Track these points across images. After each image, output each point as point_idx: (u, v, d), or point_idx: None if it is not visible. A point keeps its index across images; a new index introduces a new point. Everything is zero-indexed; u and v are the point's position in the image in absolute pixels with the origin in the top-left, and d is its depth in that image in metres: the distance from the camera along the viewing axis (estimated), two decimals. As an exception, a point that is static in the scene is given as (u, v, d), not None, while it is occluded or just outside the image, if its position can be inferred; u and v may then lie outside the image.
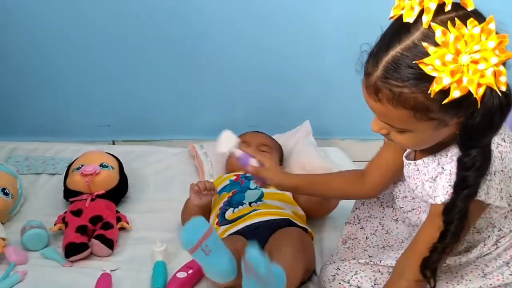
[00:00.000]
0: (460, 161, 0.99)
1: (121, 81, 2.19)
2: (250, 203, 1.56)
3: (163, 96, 2.21)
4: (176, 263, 1.47)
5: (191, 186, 1.57)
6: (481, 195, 1.02)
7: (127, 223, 1.66)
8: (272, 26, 2.09)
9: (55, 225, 1.61)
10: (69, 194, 1.72)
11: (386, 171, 1.32)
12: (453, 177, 1.03)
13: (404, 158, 1.22)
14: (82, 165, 1.74)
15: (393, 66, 0.96)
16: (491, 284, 1.18)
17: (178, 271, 1.41)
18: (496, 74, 0.91)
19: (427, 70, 0.92)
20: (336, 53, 2.15)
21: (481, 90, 0.91)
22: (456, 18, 0.92)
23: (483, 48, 0.90)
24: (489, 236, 1.17)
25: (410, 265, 1.11)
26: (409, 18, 0.95)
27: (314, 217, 1.66)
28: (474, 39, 0.91)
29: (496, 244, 1.17)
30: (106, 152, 1.86)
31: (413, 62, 0.93)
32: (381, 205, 1.44)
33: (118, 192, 1.77)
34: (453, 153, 1.07)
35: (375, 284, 1.26)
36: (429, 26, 0.93)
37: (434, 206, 1.08)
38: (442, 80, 0.91)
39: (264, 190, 1.61)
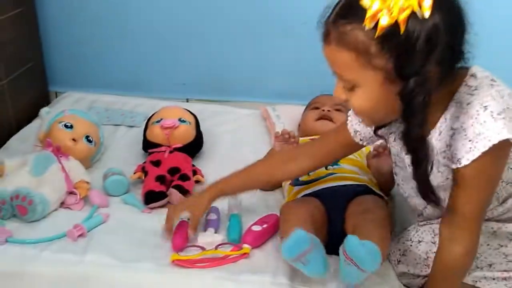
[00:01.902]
0: (400, 95, 1.00)
1: (198, 41, 2.22)
2: (326, 166, 1.57)
3: (238, 57, 2.23)
4: (250, 217, 1.51)
5: (275, 135, 1.68)
6: (505, 133, 1.00)
7: (202, 176, 1.71)
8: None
9: (134, 173, 1.68)
10: (148, 145, 1.79)
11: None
12: (469, 132, 1.03)
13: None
14: (161, 119, 1.79)
15: (342, 9, 1.02)
16: None
17: (253, 224, 1.45)
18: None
19: (364, 2, 0.96)
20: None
21: (405, 14, 0.94)
22: None
23: None
24: None
25: (460, 232, 1.12)
26: None
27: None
28: None
29: None
30: (184, 108, 1.91)
31: None
32: None
33: (195, 146, 1.82)
34: (450, 112, 1.09)
35: (435, 235, 1.26)
36: None
37: (462, 171, 1.06)
38: (372, 6, 0.95)
39: None
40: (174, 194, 1.58)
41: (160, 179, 1.62)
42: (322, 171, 1.56)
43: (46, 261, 1.36)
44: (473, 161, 1.04)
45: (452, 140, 1.08)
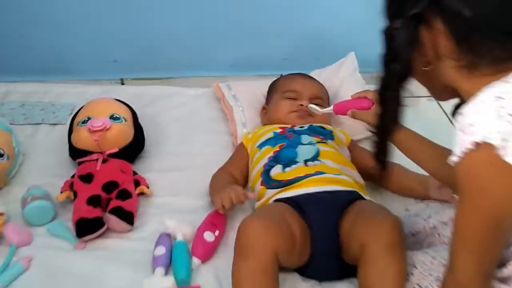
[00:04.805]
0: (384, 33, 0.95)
1: (130, 10, 1.92)
2: (305, 161, 1.31)
3: (180, 25, 1.96)
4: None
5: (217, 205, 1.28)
6: (495, 137, 0.80)
7: (147, 187, 1.43)
8: None
9: (61, 193, 1.38)
10: (76, 153, 1.47)
11: None
12: (465, 119, 0.85)
13: None
14: (89, 118, 1.47)
15: None
16: None
17: (203, 228, 1.26)
18: None
19: None
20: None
21: None
22: None
23: None
24: None
25: (450, 260, 0.93)
26: None
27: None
28: None
29: None
30: (116, 99, 1.58)
31: None
32: None
33: (134, 148, 1.53)
34: None
35: None
36: None
37: (455, 170, 0.87)
38: None
39: (320, 147, 1.35)
40: (112, 220, 1.28)
41: (94, 201, 1.32)
42: (301, 168, 1.30)
43: None
44: (460, 157, 0.84)
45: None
